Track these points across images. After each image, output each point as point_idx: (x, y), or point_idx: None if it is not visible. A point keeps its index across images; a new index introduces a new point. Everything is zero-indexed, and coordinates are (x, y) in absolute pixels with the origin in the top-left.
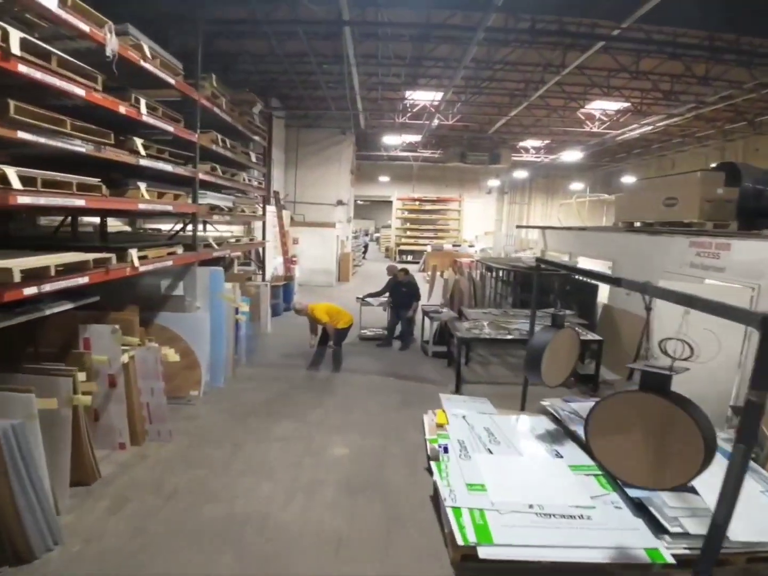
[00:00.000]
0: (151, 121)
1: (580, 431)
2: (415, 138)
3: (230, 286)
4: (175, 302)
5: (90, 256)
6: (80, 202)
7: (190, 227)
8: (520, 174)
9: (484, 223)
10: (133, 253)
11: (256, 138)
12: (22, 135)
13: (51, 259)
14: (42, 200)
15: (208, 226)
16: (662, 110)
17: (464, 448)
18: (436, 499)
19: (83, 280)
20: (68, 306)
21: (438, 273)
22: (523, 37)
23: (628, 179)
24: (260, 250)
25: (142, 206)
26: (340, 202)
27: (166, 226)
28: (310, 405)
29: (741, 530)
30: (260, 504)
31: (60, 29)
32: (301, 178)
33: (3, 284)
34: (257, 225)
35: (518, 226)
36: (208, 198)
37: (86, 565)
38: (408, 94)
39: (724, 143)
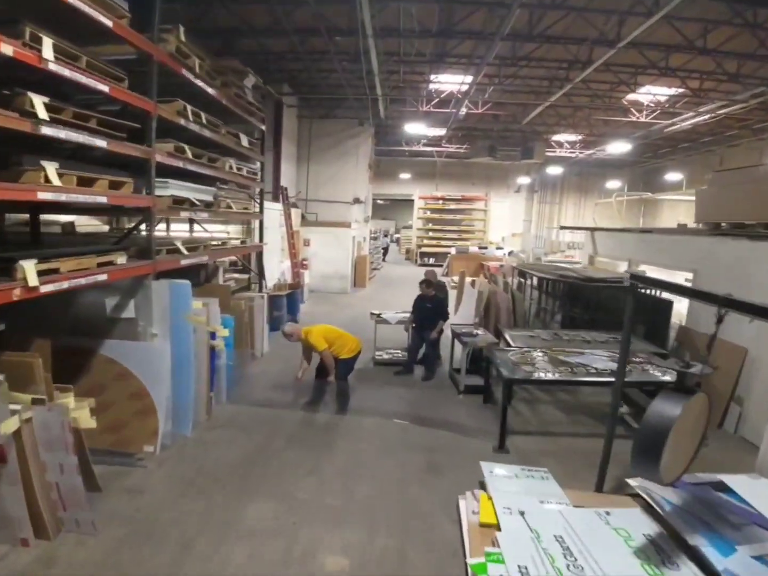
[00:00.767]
0: (64, 72)
1: (701, 543)
2: (440, 131)
3: (201, 304)
4: (124, 327)
5: None
6: None
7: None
8: (555, 170)
9: (512, 224)
10: (28, 266)
11: (251, 119)
12: None
13: None
14: None
15: (196, 226)
16: (723, 96)
17: None
18: None
19: None
20: None
21: (468, 281)
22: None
23: (673, 176)
24: (258, 254)
25: (45, 195)
26: (356, 200)
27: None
28: (300, 469)
29: None
30: None
31: None
32: (315, 174)
33: None
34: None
35: (562, 227)
36: (171, 188)
37: None
38: (433, 77)
39: None
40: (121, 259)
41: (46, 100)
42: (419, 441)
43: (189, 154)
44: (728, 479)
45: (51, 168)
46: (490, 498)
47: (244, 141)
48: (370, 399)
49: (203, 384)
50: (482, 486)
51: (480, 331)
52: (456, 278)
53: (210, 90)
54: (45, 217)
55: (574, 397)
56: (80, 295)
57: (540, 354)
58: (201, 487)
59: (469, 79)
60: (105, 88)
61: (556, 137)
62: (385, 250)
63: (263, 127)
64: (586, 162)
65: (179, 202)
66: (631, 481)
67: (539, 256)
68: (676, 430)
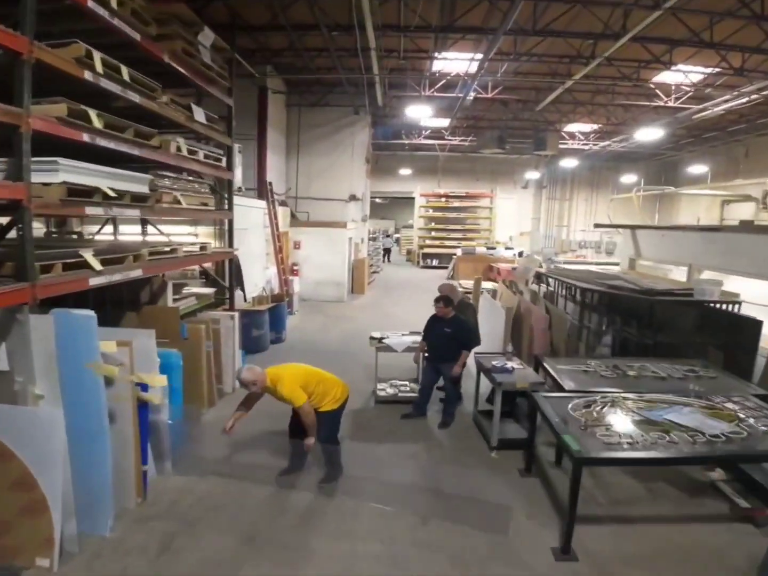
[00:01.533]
0: None
1: None
2: (443, 122)
3: (115, 345)
4: None
5: None
6: None
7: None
8: (570, 162)
9: (519, 223)
10: None
11: (211, 90)
12: None
13: None
14: None
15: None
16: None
17: None
18: None
19: None
20: None
21: (485, 289)
22: None
23: (695, 169)
24: (229, 262)
25: None
26: (353, 197)
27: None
28: None
29: None
30: None
31: None
32: (306, 169)
33: None
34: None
35: (597, 225)
36: (64, 172)
37: None
38: (437, 55)
39: None
40: None
41: None
42: (440, 545)
43: (96, 123)
44: None
45: None
46: None
47: (200, 116)
48: (369, 461)
49: (130, 456)
50: None
51: (516, 364)
52: (463, 283)
53: (137, 36)
54: None
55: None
56: None
57: (609, 402)
58: None
59: (479, 56)
60: None
61: (569, 128)
62: (387, 251)
63: (230, 101)
64: (597, 155)
65: (85, 194)
66: None
67: (550, 256)
68: None
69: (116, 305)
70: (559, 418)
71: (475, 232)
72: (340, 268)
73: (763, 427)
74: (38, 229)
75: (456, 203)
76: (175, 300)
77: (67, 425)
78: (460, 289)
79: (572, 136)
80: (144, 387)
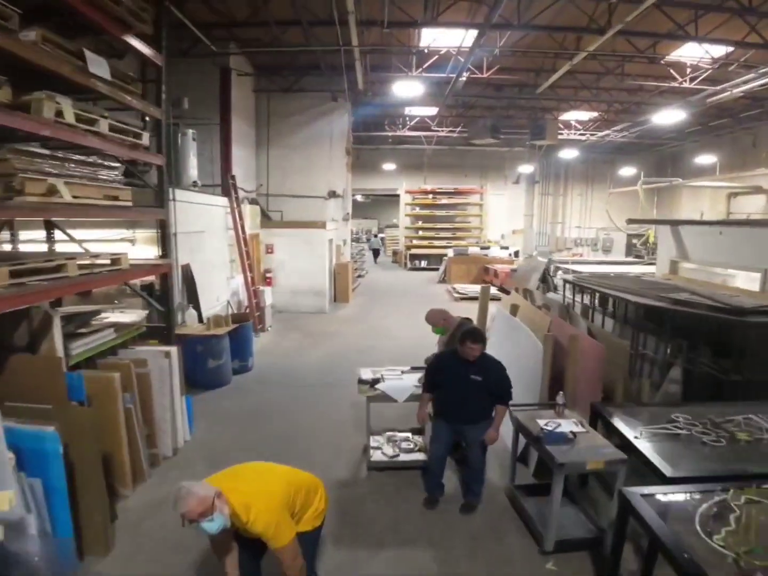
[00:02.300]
0: None
1: None
2: (431, 111)
3: None
4: None
5: None
6: None
7: None
8: (567, 154)
9: (511, 220)
10: None
11: (112, 30)
12: None
13: None
14: None
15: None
16: None
17: None
18: None
19: None
20: None
21: (502, 304)
22: None
23: (700, 160)
24: (163, 276)
25: None
26: (333, 194)
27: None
28: None
29: None
30: None
31: None
32: (278, 162)
33: None
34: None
35: (630, 221)
36: None
37: None
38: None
39: None
40: None
41: None
42: None
43: None
44: None
45: None
46: None
47: (98, 69)
48: None
49: None
50: None
51: (574, 425)
52: (456, 288)
53: None
54: None
55: None
56: None
57: (732, 497)
58: None
59: (473, 32)
60: None
61: (565, 116)
62: (376, 252)
63: (148, 51)
64: (593, 147)
65: None
66: None
67: (546, 255)
68: None
69: None
70: (673, 537)
71: (465, 230)
72: (320, 274)
73: None
74: None
75: (444, 200)
76: (78, 336)
77: None
78: (456, 295)
79: (568, 125)
80: None
